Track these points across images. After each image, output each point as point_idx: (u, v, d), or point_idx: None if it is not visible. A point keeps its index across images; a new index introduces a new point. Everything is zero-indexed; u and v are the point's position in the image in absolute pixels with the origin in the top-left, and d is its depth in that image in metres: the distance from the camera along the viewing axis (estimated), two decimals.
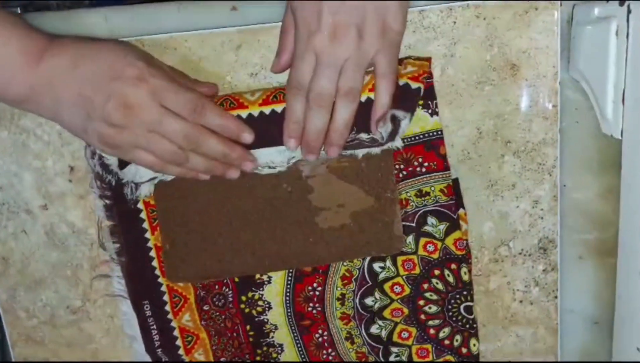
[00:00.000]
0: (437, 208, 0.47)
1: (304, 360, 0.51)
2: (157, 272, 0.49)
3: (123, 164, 0.46)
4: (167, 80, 0.42)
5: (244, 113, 0.44)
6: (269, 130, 0.44)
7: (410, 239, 0.48)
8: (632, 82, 0.40)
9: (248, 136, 0.44)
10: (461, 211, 0.48)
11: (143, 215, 0.48)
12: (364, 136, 0.44)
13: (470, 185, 0.48)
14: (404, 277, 0.49)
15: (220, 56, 0.47)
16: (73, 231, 0.50)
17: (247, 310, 0.50)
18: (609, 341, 0.50)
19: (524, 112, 0.47)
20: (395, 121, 0.44)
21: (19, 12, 0.49)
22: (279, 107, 0.44)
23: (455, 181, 0.48)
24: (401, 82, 0.44)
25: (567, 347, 0.53)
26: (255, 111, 0.44)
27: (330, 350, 0.51)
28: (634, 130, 0.41)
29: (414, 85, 0.44)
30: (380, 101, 0.43)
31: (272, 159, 0.45)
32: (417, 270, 0.48)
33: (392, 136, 0.44)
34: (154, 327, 0.50)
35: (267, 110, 0.44)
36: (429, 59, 0.45)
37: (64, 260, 0.51)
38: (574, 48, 0.46)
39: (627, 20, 0.40)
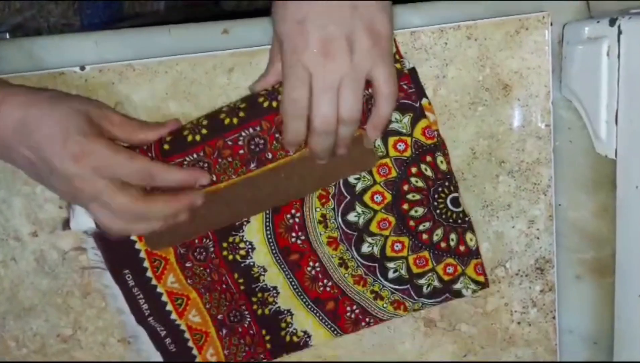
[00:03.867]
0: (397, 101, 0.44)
1: (301, 296, 0.49)
2: (133, 237, 0.47)
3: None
4: (108, 153, 0.41)
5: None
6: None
7: (378, 142, 0.46)
8: (624, 103, 0.40)
9: (204, 179, 0.44)
10: (424, 100, 0.46)
11: None
12: None
13: (464, 206, 0.48)
14: (381, 184, 0.47)
15: (212, 79, 0.46)
16: (63, 258, 0.49)
17: (230, 257, 0.48)
18: (609, 361, 0.50)
19: (517, 132, 0.47)
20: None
21: (8, 37, 0.49)
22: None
23: (413, 71, 0.45)
24: None
25: None
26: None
27: (326, 281, 0.49)
28: (628, 150, 0.41)
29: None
30: (380, 123, 0.43)
31: None
32: (393, 173, 0.46)
33: None
34: (140, 296, 0.49)
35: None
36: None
37: (55, 288, 0.50)
38: (565, 68, 0.46)
39: (618, 41, 0.40)
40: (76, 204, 0.44)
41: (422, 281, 0.49)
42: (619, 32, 0.40)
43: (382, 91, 0.41)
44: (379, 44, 0.40)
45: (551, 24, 0.45)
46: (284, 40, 0.41)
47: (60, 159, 0.40)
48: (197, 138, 0.43)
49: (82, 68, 0.46)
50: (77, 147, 0.40)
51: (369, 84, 0.42)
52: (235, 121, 0.43)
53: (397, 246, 0.48)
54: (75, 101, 0.43)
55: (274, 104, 0.43)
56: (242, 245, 0.48)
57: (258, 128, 0.44)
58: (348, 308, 0.50)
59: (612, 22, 0.40)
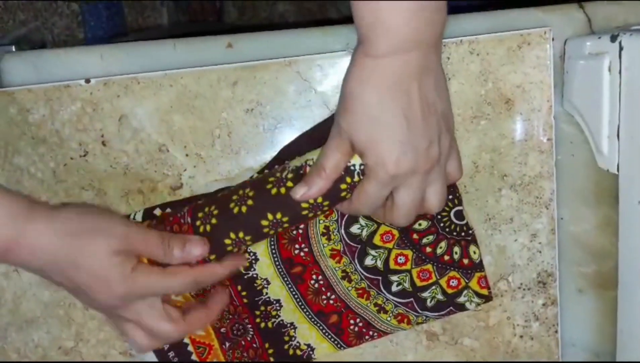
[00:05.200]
0: None
1: (304, 310, 0.49)
2: None
3: None
4: (155, 280, 0.41)
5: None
6: None
7: None
8: (626, 118, 0.40)
9: (244, 263, 0.46)
10: None
11: None
12: None
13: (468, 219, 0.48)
14: None
15: (216, 93, 0.47)
16: None
17: None
18: (611, 361, 0.50)
19: (519, 146, 0.47)
20: None
21: (14, 50, 0.50)
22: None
23: None
24: None
25: None
26: None
27: (329, 294, 0.49)
28: (630, 165, 0.41)
29: None
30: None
31: None
32: None
33: None
34: None
35: None
36: None
37: (57, 299, 0.50)
38: (567, 83, 0.46)
39: (620, 57, 0.40)
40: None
41: (425, 294, 0.49)
42: (620, 48, 0.40)
43: (454, 177, 0.43)
44: (453, 138, 0.41)
45: (553, 39, 0.46)
46: (374, 161, 0.39)
47: (105, 301, 0.41)
48: (243, 248, 0.43)
49: (88, 81, 0.46)
50: (124, 290, 0.40)
51: None
52: (280, 230, 0.43)
53: (400, 259, 0.48)
54: (102, 232, 0.40)
55: (319, 213, 0.43)
56: (245, 255, 0.48)
57: (302, 225, 0.45)
58: (351, 322, 0.49)
59: (614, 38, 0.41)
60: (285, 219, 0.42)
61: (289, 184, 0.42)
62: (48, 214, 0.40)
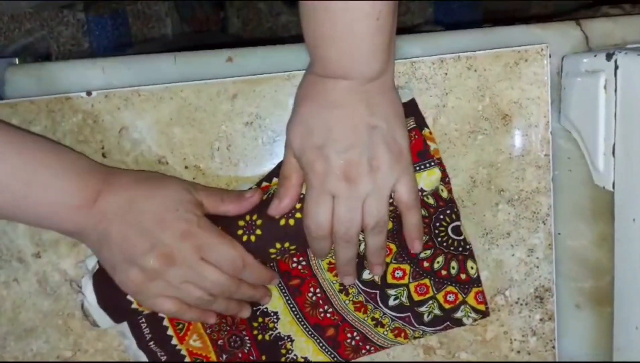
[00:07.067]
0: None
1: (302, 322, 0.49)
2: None
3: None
4: (213, 235, 0.42)
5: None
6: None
7: None
8: (622, 136, 0.40)
9: (276, 281, 0.48)
10: (425, 130, 0.46)
11: None
12: None
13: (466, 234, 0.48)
14: None
15: (216, 106, 0.47)
16: (65, 279, 0.50)
17: None
18: (609, 361, 0.49)
19: (517, 161, 0.47)
20: None
21: (17, 62, 0.50)
22: None
23: (413, 102, 0.46)
24: None
25: None
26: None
27: (326, 307, 0.49)
28: (625, 183, 0.41)
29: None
30: (416, 230, 0.44)
31: None
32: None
33: None
34: (142, 320, 0.49)
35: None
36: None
37: (56, 309, 0.50)
38: (564, 99, 0.47)
39: (615, 76, 0.40)
40: (137, 294, 0.43)
41: (423, 309, 0.49)
42: (616, 67, 0.40)
43: (406, 203, 0.42)
44: (400, 158, 0.41)
45: (550, 56, 0.46)
46: (304, 165, 0.41)
47: (166, 235, 0.41)
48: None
49: (89, 93, 0.47)
50: (187, 226, 0.41)
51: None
52: (286, 256, 0.46)
53: (398, 273, 0.48)
54: (175, 180, 0.46)
55: None
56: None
57: None
58: (348, 335, 0.50)
59: (609, 57, 0.41)
60: (292, 247, 0.44)
61: (298, 215, 0.43)
62: (122, 170, 0.46)
